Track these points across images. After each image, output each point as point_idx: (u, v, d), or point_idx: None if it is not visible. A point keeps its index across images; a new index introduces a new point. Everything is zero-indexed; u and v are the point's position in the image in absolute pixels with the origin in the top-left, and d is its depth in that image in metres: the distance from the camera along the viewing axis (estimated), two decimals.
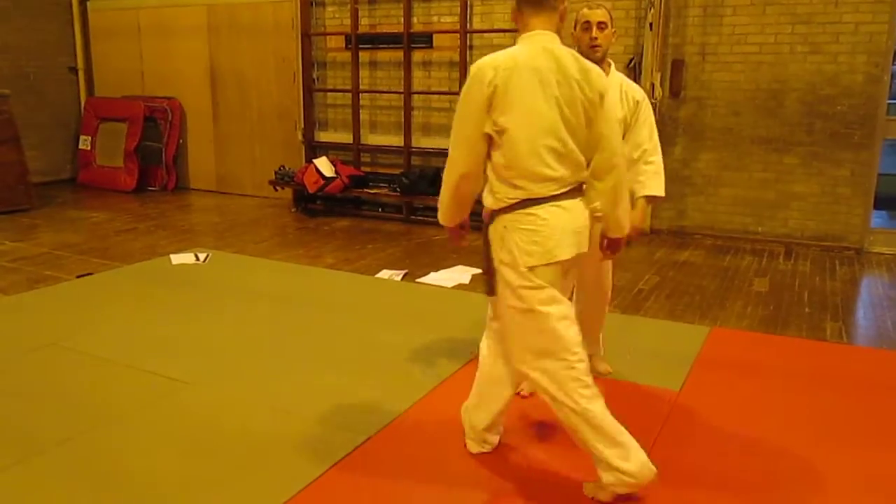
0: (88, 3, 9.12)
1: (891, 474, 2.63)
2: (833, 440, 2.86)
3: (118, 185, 8.54)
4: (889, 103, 6.06)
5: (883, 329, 4.28)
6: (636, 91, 3.15)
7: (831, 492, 2.52)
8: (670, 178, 6.47)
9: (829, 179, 6.00)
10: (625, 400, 3.14)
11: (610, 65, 3.08)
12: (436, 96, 7.24)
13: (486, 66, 2.28)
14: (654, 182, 3.13)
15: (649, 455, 2.38)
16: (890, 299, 4.85)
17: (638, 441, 2.80)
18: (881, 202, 6.31)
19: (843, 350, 3.92)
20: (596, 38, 2.94)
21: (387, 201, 7.36)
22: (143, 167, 8.61)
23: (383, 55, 7.44)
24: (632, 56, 6.38)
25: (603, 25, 2.96)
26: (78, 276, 5.04)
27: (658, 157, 3.16)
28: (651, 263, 5.58)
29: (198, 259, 5.49)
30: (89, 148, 8.87)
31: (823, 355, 3.81)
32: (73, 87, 9.26)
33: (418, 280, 5.10)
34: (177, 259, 5.48)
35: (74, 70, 9.22)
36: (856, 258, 5.83)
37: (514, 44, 2.39)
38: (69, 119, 9.18)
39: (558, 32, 2.37)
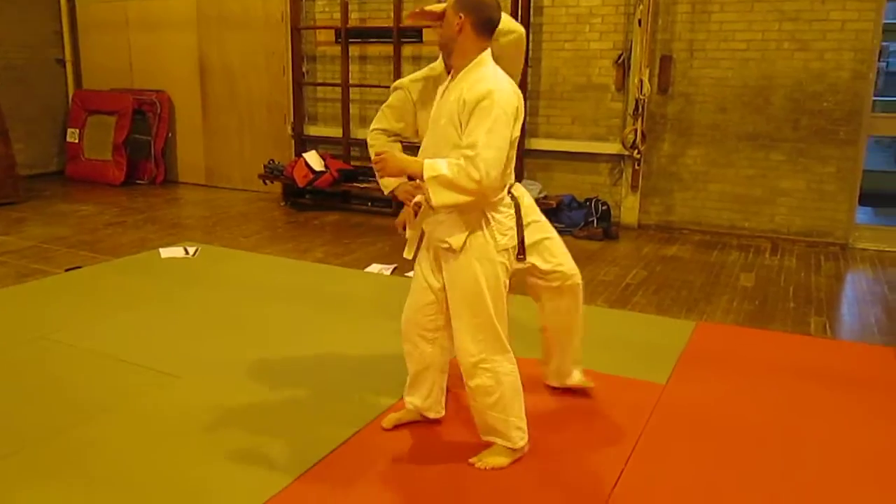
0: None
1: (872, 466, 2.67)
2: (816, 433, 2.91)
3: (106, 178, 8.50)
4: (874, 100, 6.12)
5: (866, 324, 4.34)
6: None
7: (814, 484, 2.56)
8: (658, 173, 6.57)
9: (814, 176, 6.06)
10: (611, 392, 3.19)
11: None
12: None
13: (514, 89, 2.42)
14: None
15: (636, 447, 2.42)
16: (873, 294, 4.91)
17: (624, 433, 2.86)
18: (866, 198, 6.37)
19: (826, 344, 3.97)
20: None
21: (376, 195, 7.36)
22: (132, 160, 8.58)
23: (373, 49, 7.44)
24: (620, 52, 6.41)
25: None
26: (66, 270, 5.03)
27: None
28: (639, 258, 5.62)
29: (187, 253, 5.49)
30: (77, 141, 8.83)
31: (807, 349, 3.86)
32: (61, 79, 9.21)
33: (407, 274, 5.11)
34: (166, 253, 5.47)
35: (62, 62, 9.17)
36: (841, 254, 5.89)
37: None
38: (57, 112, 9.13)
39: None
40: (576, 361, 3.13)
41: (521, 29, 2.68)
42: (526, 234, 2.69)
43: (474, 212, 2.44)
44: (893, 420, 3.04)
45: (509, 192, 2.59)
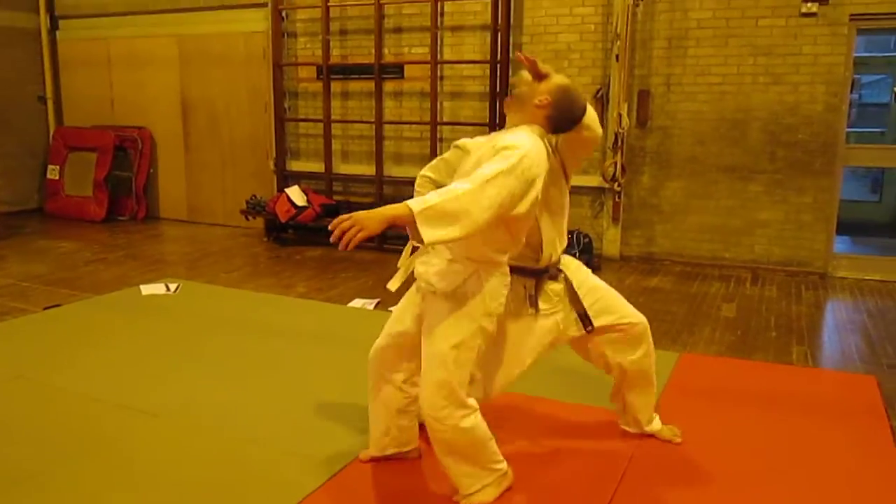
0: (58, 33, 9.09)
1: (855, 494, 2.68)
2: (801, 462, 2.91)
3: (87, 214, 8.45)
4: (848, 131, 6.24)
5: (847, 352, 4.37)
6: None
7: None
8: (639, 205, 6.63)
9: (792, 206, 6.14)
10: (597, 425, 3.18)
11: None
12: (407, 126, 7.30)
13: (542, 160, 2.38)
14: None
15: (622, 479, 2.40)
16: (853, 323, 4.95)
17: (610, 465, 2.84)
18: (843, 227, 6.47)
19: (809, 373, 3.99)
20: None
21: None
22: (113, 197, 8.54)
23: (355, 85, 7.50)
24: (599, 87, 6.50)
25: None
26: (45, 308, 4.97)
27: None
28: (621, 290, 5.57)
29: (168, 289, 5.45)
30: (58, 177, 8.79)
31: (790, 379, 3.88)
32: (42, 116, 9.19)
33: (391, 309, 5.08)
34: (147, 290, 5.43)
35: (43, 99, 9.15)
36: (820, 283, 5.96)
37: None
38: (37, 148, 9.09)
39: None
40: (652, 406, 3.05)
41: (600, 131, 2.61)
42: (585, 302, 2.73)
43: (471, 264, 2.40)
44: (874, 447, 3.05)
45: (557, 269, 2.66)
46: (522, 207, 2.28)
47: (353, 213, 2.12)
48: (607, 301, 2.86)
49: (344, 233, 2.08)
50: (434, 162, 2.88)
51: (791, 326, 4.80)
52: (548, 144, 2.45)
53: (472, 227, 2.16)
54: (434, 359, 2.43)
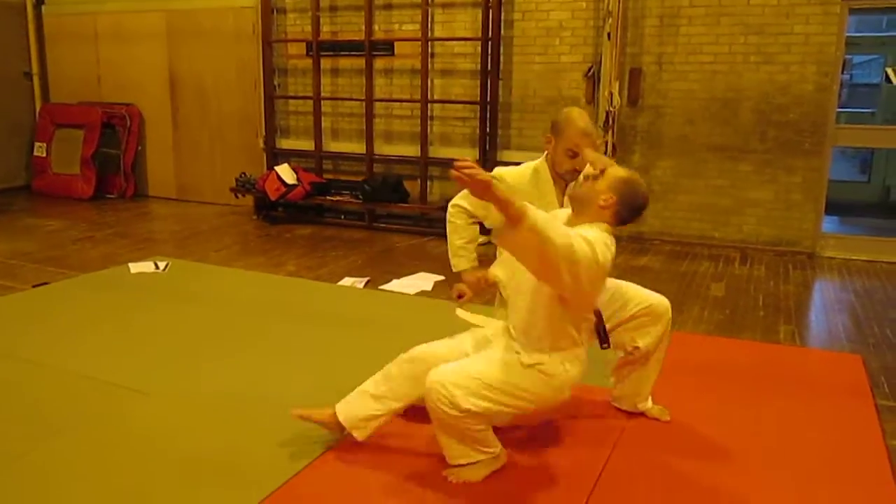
0: (44, 8, 8.96)
1: (841, 471, 2.71)
2: (787, 439, 2.94)
3: (75, 192, 8.39)
4: (838, 112, 6.25)
5: (834, 331, 4.41)
6: None
7: (783, 489, 2.59)
8: None
9: (781, 186, 6.16)
10: (588, 403, 3.20)
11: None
12: (397, 104, 7.27)
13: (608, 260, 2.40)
14: None
15: (611, 455, 2.42)
16: (840, 302, 4.99)
17: (601, 441, 2.87)
18: (832, 207, 6.50)
19: (796, 352, 4.03)
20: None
21: (349, 208, 7.36)
22: (101, 175, 8.48)
23: (345, 62, 7.44)
24: (590, 65, 6.48)
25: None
26: (34, 286, 4.95)
27: None
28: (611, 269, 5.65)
29: (157, 268, 5.42)
30: (45, 155, 8.71)
31: (777, 358, 3.91)
32: (28, 92, 9.08)
33: (381, 287, 5.11)
34: (135, 268, 5.40)
35: (29, 75, 9.04)
36: (808, 262, 5.99)
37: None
38: (24, 125, 9.00)
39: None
40: (652, 384, 3.09)
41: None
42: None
43: (556, 352, 2.47)
44: (859, 425, 3.09)
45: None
46: (598, 289, 2.43)
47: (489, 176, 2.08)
48: (624, 297, 2.93)
49: (464, 169, 2.04)
50: (466, 192, 2.88)
51: (779, 306, 4.83)
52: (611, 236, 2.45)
53: (550, 261, 2.14)
54: (485, 367, 2.48)
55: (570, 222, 2.49)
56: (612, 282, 3.02)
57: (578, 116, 2.90)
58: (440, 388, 2.40)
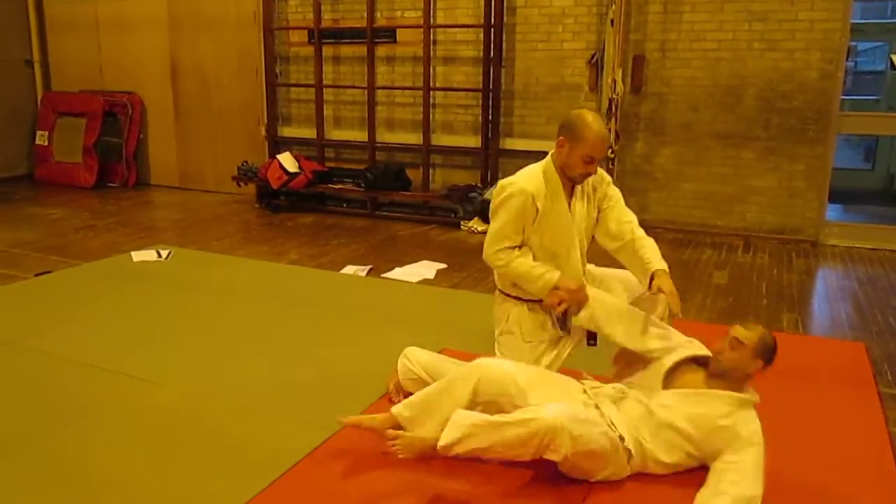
0: None
1: (842, 457, 2.71)
2: (790, 427, 2.94)
3: (77, 181, 8.39)
4: (843, 99, 6.22)
5: (837, 319, 4.40)
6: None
7: (787, 477, 2.58)
8: (632, 173, 6.61)
9: (785, 174, 6.14)
10: None
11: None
12: (399, 91, 7.24)
13: None
14: None
15: None
16: (843, 290, 4.98)
17: None
18: (835, 195, 6.47)
19: (799, 340, 4.02)
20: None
21: (351, 196, 7.35)
22: (103, 163, 8.47)
23: (346, 50, 7.41)
24: (593, 52, 6.45)
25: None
26: (36, 275, 4.95)
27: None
28: (614, 258, 5.64)
29: (160, 256, 5.42)
30: (46, 143, 8.70)
31: (781, 346, 3.87)
32: (30, 81, 9.06)
33: (383, 275, 5.11)
34: (138, 256, 5.40)
35: (31, 64, 9.02)
36: (811, 250, 5.98)
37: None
38: (25, 114, 8.98)
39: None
40: None
41: None
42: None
43: None
44: (862, 412, 3.09)
45: None
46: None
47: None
48: (609, 286, 3.05)
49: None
50: (499, 229, 2.96)
51: (782, 294, 4.82)
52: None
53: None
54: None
55: (708, 385, 2.58)
56: (598, 270, 3.08)
57: (594, 121, 2.83)
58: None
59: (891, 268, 5.52)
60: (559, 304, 2.83)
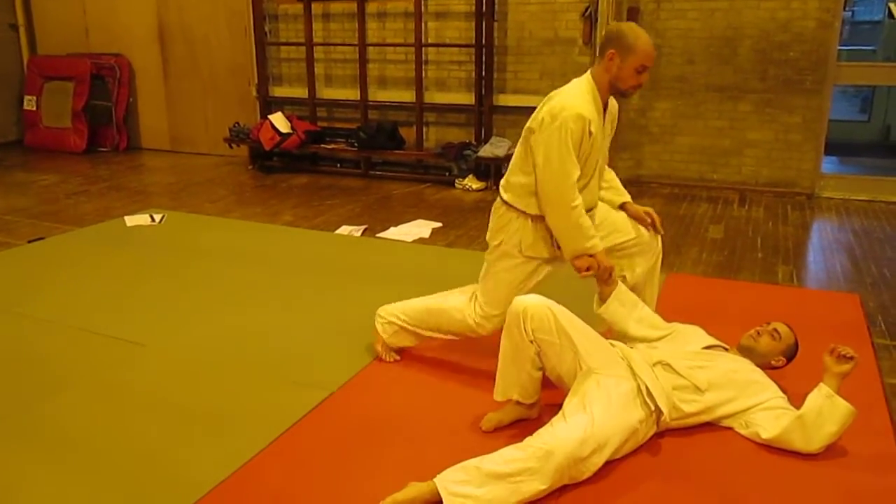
0: None
1: None
2: (786, 379, 2.96)
3: (67, 146, 8.30)
4: (840, 49, 6.14)
5: (832, 271, 4.41)
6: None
7: None
8: (628, 126, 6.55)
9: (781, 126, 6.09)
10: None
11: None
12: (391, 48, 7.14)
13: None
14: None
15: None
16: (838, 243, 4.98)
17: None
18: (831, 147, 6.43)
19: (794, 293, 4.03)
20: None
21: (344, 156, 7.29)
22: (93, 127, 8.37)
23: (336, 7, 7.28)
24: (587, 5, 6.34)
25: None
26: (29, 241, 4.92)
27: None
28: None
29: (153, 220, 5.39)
30: (35, 108, 8.58)
31: (775, 298, 3.91)
32: (15, 45, 8.90)
33: (378, 235, 5.09)
34: (131, 221, 5.37)
35: (15, 27, 8.86)
36: (807, 203, 5.96)
37: None
38: (12, 79, 8.84)
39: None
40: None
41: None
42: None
43: None
44: (858, 364, 3.10)
45: None
46: None
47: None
48: (613, 224, 3.02)
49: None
50: (564, 162, 2.65)
51: (777, 247, 4.82)
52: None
53: None
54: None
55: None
56: (603, 210, 3.01)
57: (643, 32, 2.70)
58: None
59: (886, 220, 5.52)
60: (587, 269, 2.77)
